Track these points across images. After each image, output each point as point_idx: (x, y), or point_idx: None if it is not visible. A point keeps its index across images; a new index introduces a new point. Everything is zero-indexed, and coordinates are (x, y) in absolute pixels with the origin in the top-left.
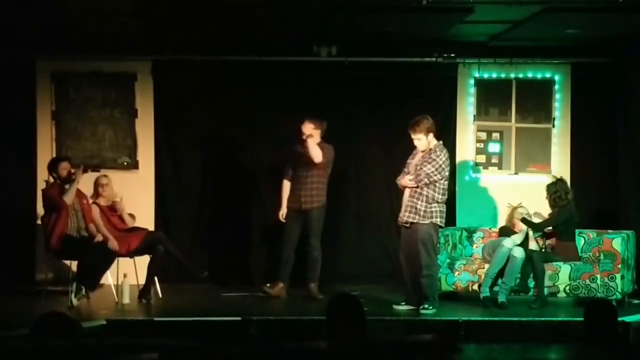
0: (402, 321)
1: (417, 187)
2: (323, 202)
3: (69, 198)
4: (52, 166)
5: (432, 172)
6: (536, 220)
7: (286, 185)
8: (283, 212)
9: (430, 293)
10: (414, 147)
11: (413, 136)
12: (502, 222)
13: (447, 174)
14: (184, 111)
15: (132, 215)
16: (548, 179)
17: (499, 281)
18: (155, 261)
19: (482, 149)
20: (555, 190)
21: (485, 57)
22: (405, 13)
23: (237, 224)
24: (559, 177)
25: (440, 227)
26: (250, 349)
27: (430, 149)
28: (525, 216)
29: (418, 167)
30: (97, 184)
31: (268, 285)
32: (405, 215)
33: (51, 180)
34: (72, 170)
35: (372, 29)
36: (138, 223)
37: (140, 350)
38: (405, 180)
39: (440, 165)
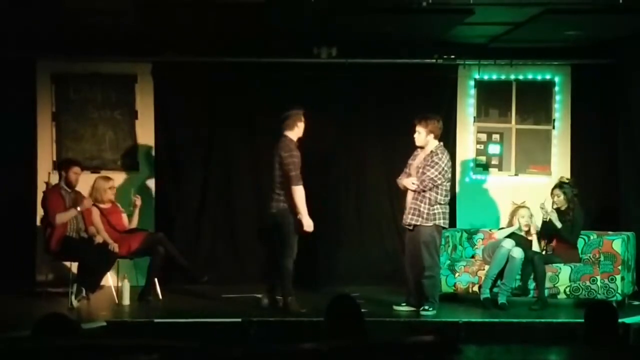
0: (402, 322)
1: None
2: None
3: (60, 220)
4: (64, 166)
5: (436, 176)
6: (556, 221)
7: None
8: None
9: (430, 294)
10: (414, 148)
11: (416, 128)
12: (502, 223)
13: (449, 176)
14: (184, 112)
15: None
16: (556, 180)
17: (499, 282)
18: (155, 262)
19: (482, 150)
20: (570, 191)
21: (486, 59)
22: (405, 14)
23: (237, 225)
24: (567, 178)
25: (444, 228)
26: (250, 350)
27: (432, 152)
28: (528, 218)
29: (420, 171)
30: (100, 187)
31: (303, 309)
32: (408, 218)
33: (52, 181)
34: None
35: (373, 30)
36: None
37: (141, 351)
38: (408, 182)
39: (443, 169)
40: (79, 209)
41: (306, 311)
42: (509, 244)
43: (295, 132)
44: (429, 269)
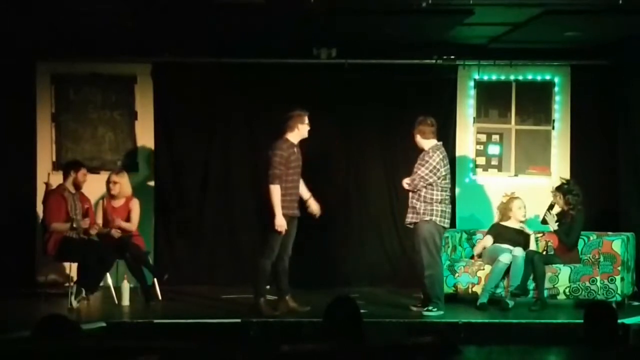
0: (401, 324)
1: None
2: None
3: (55, 229)
4: (72, 167)
5: (427, 174)
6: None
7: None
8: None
9: (433, 294)
10: (414, 149)
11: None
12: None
13: (444, 173)
14: (183, 113)
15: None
16: (556, 181)
17: (503, 284)
18: (130, 267)
19: (482, 151)
20: (570, 190)
21: (485, 59)
22: (405, 15)
23: (237, 225)
24: (568, 178)
25: (444, 227)
26: (250, 351)
27: (425, 151)
28: (524, 209)
29: (414, 171)
30: (107, 182)
31: (276, 312)
32: (408, 217)
33: (51, 182)
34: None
35: (372, 31)
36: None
37: (140, 352)
38: (403, 183)
39: (435, 167)
40: (74, 226)
41: (279, 314)
42: (506, 258)
43: (296, 133)
44: (428, 267)
